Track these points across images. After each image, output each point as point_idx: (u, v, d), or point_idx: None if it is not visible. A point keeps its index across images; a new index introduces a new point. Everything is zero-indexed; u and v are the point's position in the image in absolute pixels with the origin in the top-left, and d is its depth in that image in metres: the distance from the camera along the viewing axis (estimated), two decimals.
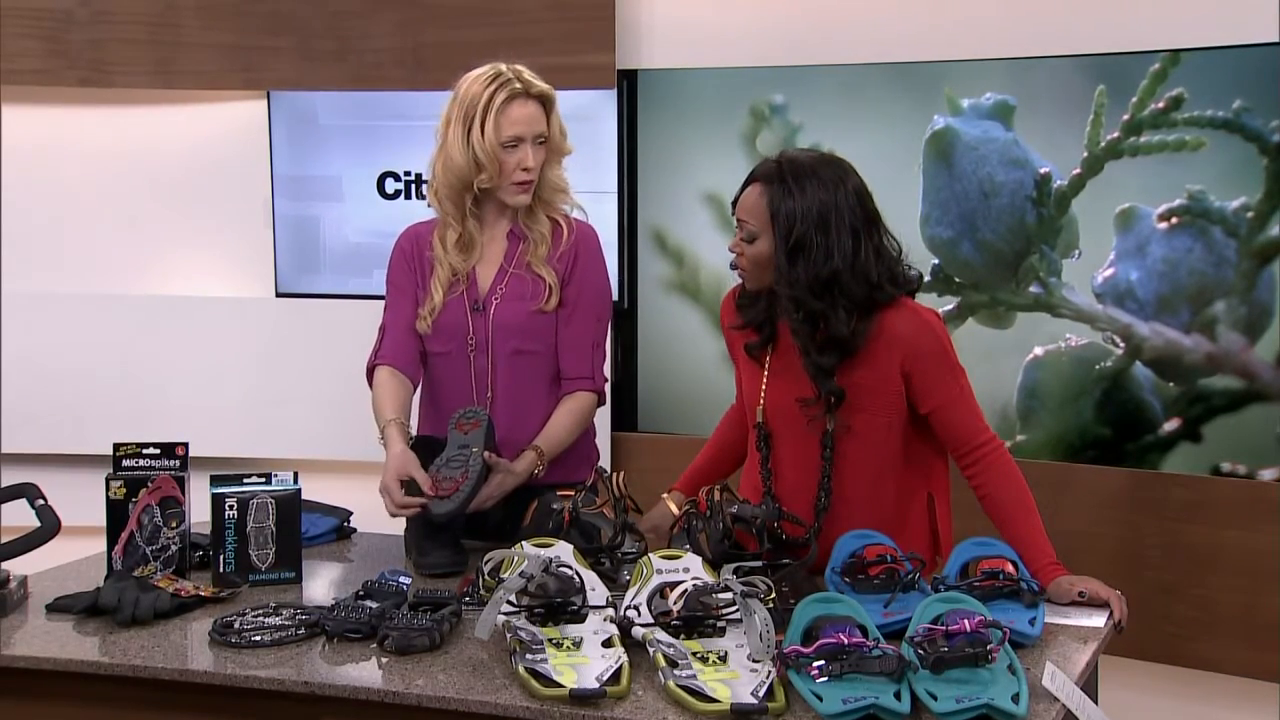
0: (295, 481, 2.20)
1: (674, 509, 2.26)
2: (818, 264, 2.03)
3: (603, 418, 3.42)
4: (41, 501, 2.17)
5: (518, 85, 2.30)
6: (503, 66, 2.33)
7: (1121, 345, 3.07)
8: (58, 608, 2.01)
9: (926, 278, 3.22)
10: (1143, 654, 2.96)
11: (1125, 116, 2.99)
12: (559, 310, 2.36)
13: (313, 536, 2.38)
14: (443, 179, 2.34)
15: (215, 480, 2.17)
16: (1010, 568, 1.91)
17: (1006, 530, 2.05)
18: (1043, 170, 3.11)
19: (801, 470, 2.14)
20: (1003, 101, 3.14)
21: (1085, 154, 3.05)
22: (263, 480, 2.19)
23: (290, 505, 2.17)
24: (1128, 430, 3.08)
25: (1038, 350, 3.15)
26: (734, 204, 2.14)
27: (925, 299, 3.22)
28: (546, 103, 2.32)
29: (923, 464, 2.17)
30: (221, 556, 2.14)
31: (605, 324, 2.44)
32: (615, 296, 3.47)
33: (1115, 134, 3.01)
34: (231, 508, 2.15)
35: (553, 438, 2.33)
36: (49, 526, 2.13)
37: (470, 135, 2.29)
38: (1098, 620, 1.93)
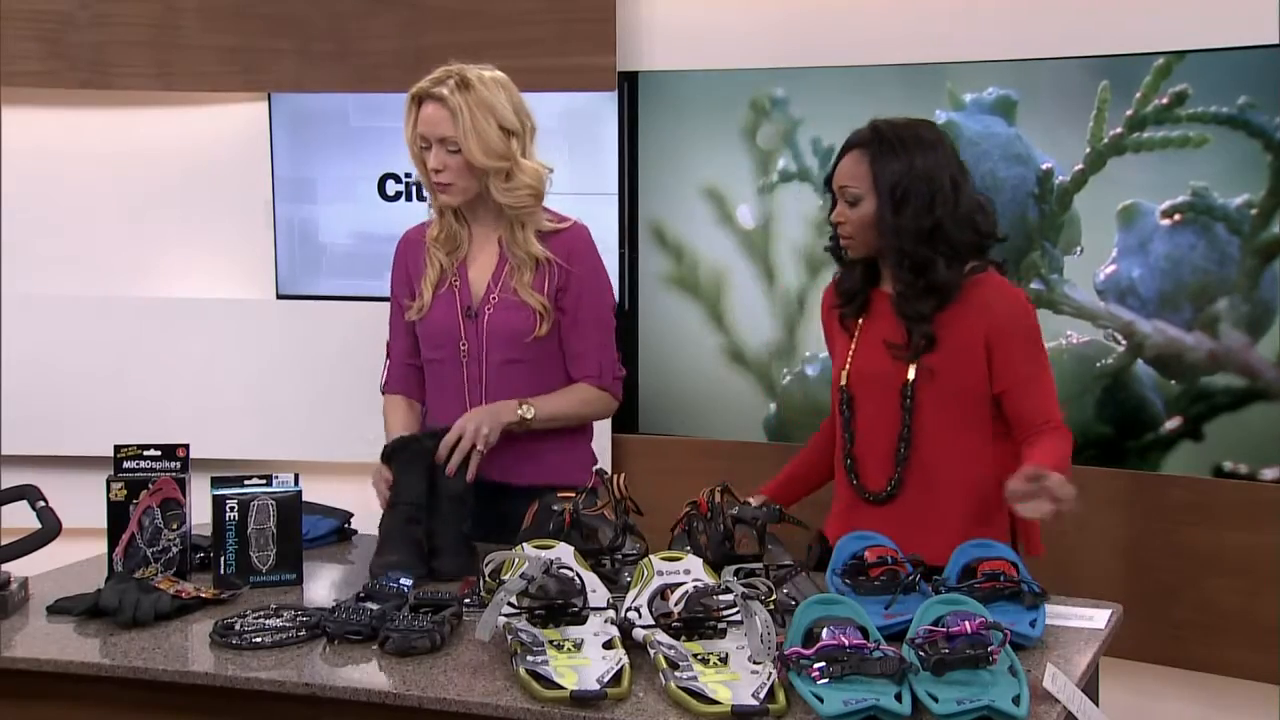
0: (296, 483, 2.20)
1: None
2: (921, 214, 2.13)
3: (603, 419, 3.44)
4: (42, 503, 2.17)
5: (425, 85, 2.31)
6: (453, 67, 2.33)
7: (1123, 343, 3.06)
8: (58, 609, 2.01)
9: None
10: (1144, 655, 2.96)
11: (1129, 112, 2.99)
12: (561, 317, 2.37)
13: (313, 538, 2.38)
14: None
15: (216, 482, 2.17)
16: (1011, 569, 1.90)
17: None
18: (1045, 166, 3.10)
19: (882, 434, 2.19)
20: (1005, 96, 3.13)
21: (1088, 150, 3.04)
22: (263, 482, 2.19)
23: (291, 507, 2.17)
24: (1129, 428, 3.07)
25: None
26: (828, 179, 2.24)
27: None
28: (450, 108, 2.28)
29: (1013, 454, 2.15)
30: (222, 558, 2.14)
31: (610, 324, 2.44)
32: (615, 299, 3.49)
33: (1118, 130, 3.00)
34: (232, 509, 2.15)
35: (545, 401, 2.33)
36: (50, 528, 2.13)
37: None
38: (1099, 622, 1.92)
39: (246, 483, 2.18)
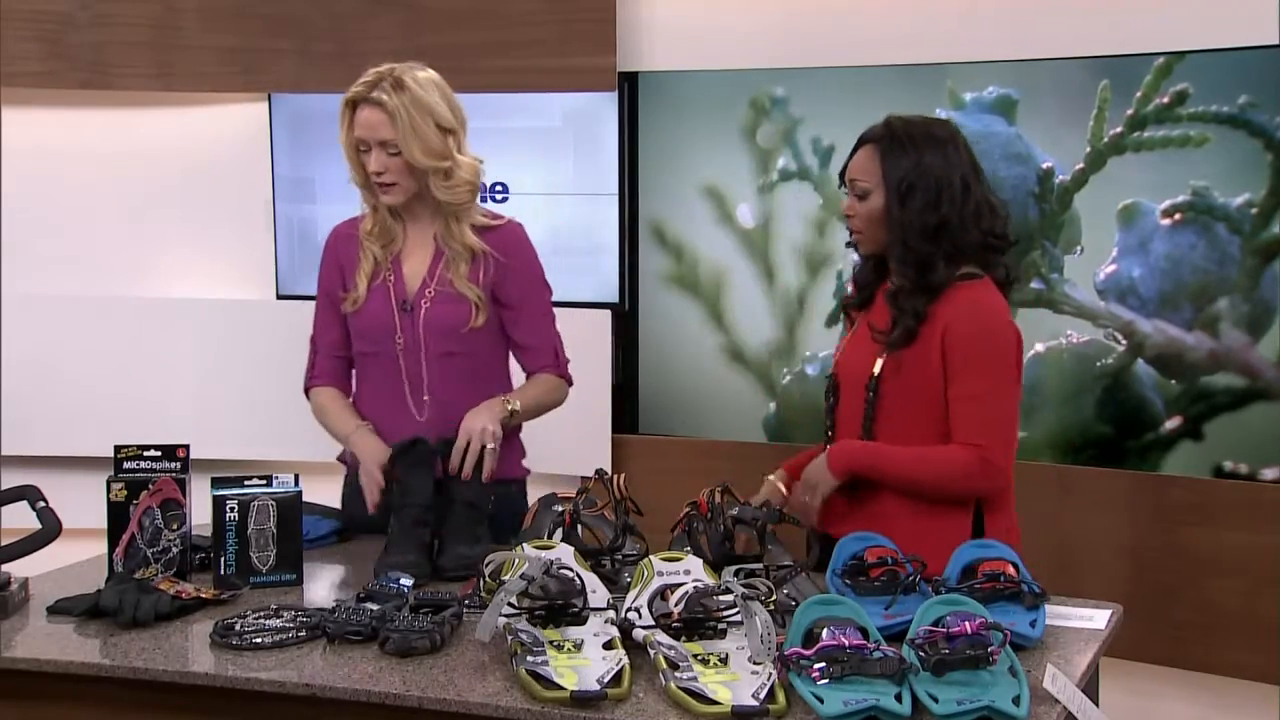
0: (296, 484, 2.19)
1: (781, 488, 2.28)
2: (927, 211, 2.13)
3: (603, 419, 3.44)
4: (42, 504, 2.17)
5: (360, 89, 2.32)
6: (384, 69, 2.33)
7: (1123, 342, 3.06)
8: (59, 610, 2.01)
9: None
10: (1144, 656, 2.96)
11: (1129, 111, 2.99)
12: (503, 312, 2.40)
13: (313, 539, 2.38)
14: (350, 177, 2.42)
15: (216, 482, 2.17)
16: (1011, 570, 1.90)
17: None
18: (1045, 165, 3.10)
19: (853, 423, 2.21)
20: (1005, 96, 3.13)
21: (1088, 149, 3.04)
22: (263, 482, 2.18)
23: (291, 507, 2.17)
24: (1129, 428, 3.07)
25: (1039, 347, 3.14)
26: (842, 173, 2.25)
27: None
28: (389, 111, 2.29)
29: None
30: (223, 559, 2.14)
31: (552, 312, 2.47)
32: (615, 299, 3.49)
33: (1119, 129, 3.01)
34: (232, 510, 2.14)
35: (523, 393, 2.39)
36: (50, 529, 2.12)
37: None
38: (1099, 622, 1.92)
39: (246, 483, 2.18)
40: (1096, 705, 1.74)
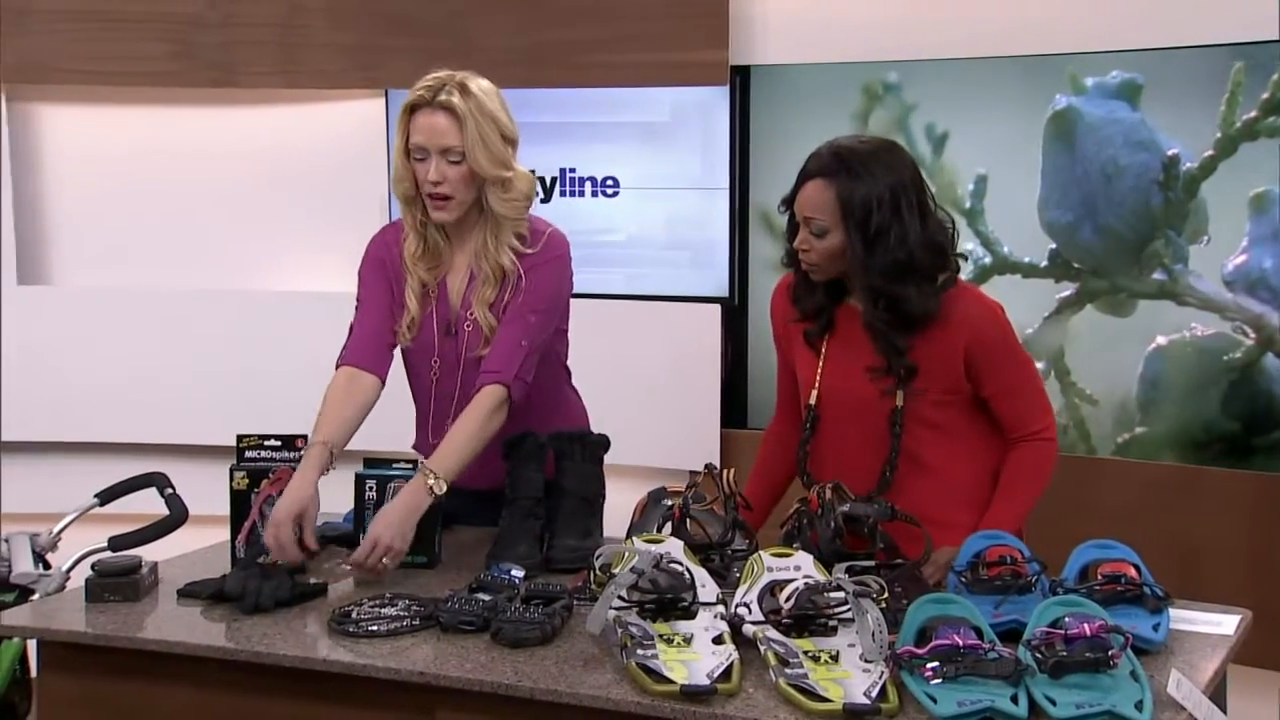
0: None
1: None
2: (894, 249, 2.06)
3: (712, 414, 3.43)
4: (170, 490, 2.25)
5: (423, 93, 2.20)
6: (444, 74, 2.23)
7: (1252, 335, 2.95)
8: (187, 593, 2.08)
9: (1043, 263, 3.16)
10: (1273, 664, 2.84)
11: (1264, 95, 2.87)
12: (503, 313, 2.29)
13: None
14: (393, 188, 2.30)
15: (366, 463, 2.25)
16: (1133, 571, 1.84)
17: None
18: (1170, 152, 3.00)
19: (853, 452, 2.16)
20: (1130, 80, 3.04)
21: (1218, 135, 2.94)
22: (409, 468, 2.23)
23: None
24: (1257, 425, 2.96)
25: (1160, 339, 3.05)
26: (789, 201, 2.16)
27: (1041, 285, 3.16)
28: (458, 116, 2.18)
29: (997, 448, 2.18)
30: (361, 535, 2.19)
31: (538, 325, 2.27)
32: (725, 293, 3.47)
33: (1253, 114, 2.89)
34: (371, 489, 2.22)
35: (442, 458, 2.17)
36: (177, 515, 2.20)
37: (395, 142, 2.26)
38: (1227, 628, 1.86)
39: (394, 466, 2.24)
40: (1224, 713, 1.69)
